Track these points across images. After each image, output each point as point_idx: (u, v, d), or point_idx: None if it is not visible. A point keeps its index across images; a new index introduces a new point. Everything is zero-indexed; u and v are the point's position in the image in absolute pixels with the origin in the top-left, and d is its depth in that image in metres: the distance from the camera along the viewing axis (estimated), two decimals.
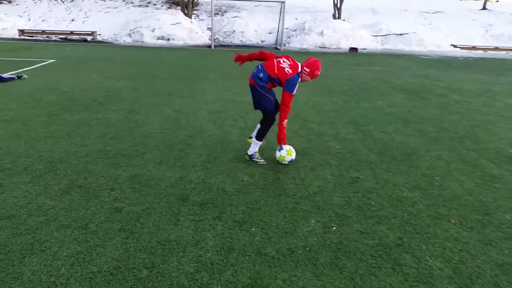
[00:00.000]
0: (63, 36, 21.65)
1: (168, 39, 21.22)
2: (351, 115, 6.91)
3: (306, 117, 6.65)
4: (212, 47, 19.71)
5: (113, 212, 3.34)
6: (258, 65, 4.43)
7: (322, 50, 20.56)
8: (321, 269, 2.70)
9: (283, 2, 20.49)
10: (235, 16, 25.05)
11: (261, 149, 4.73)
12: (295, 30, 23.02)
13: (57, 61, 12.44)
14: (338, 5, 24.17)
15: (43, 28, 22.45)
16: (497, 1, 35.44)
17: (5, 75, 8.99)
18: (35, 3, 26.05)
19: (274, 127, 4.49)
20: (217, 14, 25.36)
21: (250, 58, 4.72)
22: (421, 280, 2.63)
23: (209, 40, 21.42)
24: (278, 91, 4.41)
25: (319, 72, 4.24)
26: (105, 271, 2.59)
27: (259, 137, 4.52)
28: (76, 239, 2.92)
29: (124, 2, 27.10)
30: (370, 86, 9.82)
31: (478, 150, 5.28)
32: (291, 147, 4.49)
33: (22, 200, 3.47)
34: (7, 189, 3.67)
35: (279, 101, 4.45)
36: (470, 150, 5.27)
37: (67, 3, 26.29)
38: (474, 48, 22.42)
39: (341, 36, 21.74)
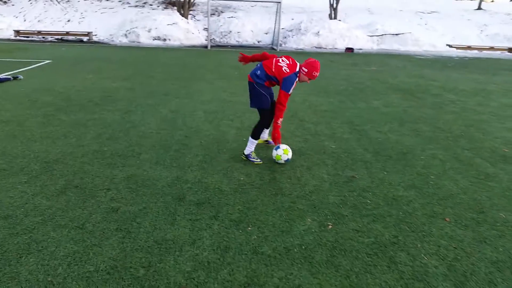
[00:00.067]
0: (59, 37, 21.61)
1: (165, 40, 21.21)
2: (347, 115, 6.93)
3: (303, 117, 6.67)
4: (209, 48, 19.71)
5: (109, 212, 3.34)
6: (258, 64, 4.47)
7: (318, 50, 20.60)
8: (317, 267, 2.72)
9: (279, 2, 20.54)
10: (232, 17, 25.07)
11: (257, 149, 4.75)
12: (291, 30, 23.05)
13: (53, 62, 12.41)
14: (334, 5, 24.23)
15: (39, 29, 22.39)
16: (492, 1, 35.65)
17: (1, 76, 8.97)
18: (30, 3, 25.97)
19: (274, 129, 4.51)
20: (213, 14, 25.38)
21: (254, 59, 4.75)
22: (416, 277, 2.65)
23: (206, 40, 21.42)
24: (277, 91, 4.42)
25: (317, 73, 4.21)
26: (102, 270, 2.60)
27: (254, 135, 4.53)
28: (72, 239, 2.93)
29: (120, 3, 27.06)
30: (366, 86, 9.86)
31: (473, 149, 5.31)
32: (288, 147, 4.51)
33: (19, 201, 3.48)
34: (3, 190, 3.67)
35: None
36: (465, 149, 5.31)
37: (63, 3, 26.22)
38: (469, 48, 22.54)
39: (337, 36, 21.80)
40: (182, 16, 23.51)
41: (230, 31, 23.27)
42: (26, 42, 19.44)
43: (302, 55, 17.02)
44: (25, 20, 23.87)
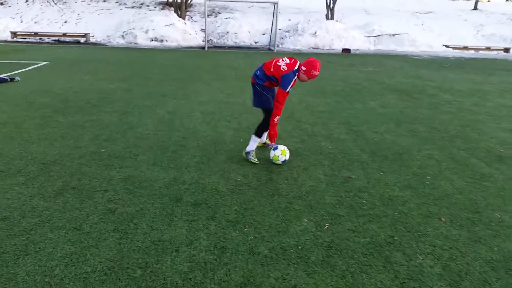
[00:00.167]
0: (56, 38, 21.58)
1: (162, 41, 21.21)
2: (344, 115, 6.96)
3: (300, 117, 6.69)
4: (206, 49, 19.72)
5: (107, 213, 3.36)
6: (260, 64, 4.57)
7: (315, 51, 20.63)
8: (313, 267, 2.74)
9: (276, 3, 20.56)
10: (229, 17, 25.09)
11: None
12: (288, 31, 23.09)
13: (50, 63, 12.40)
14: (331, 6, 24.28)
15: (35, 30, 22.36)
16: (488, 1, 35.80)
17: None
18: (27, 5, 25.93)
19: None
20: (211, 15, 25.39)
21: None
22: (412, 277, 2.68)
23: (203, 41, 21.44)
24: None
25: (316, 72, 4.19)
26: (99, 271, 2.62)
27: (258, 133, 4.58)
28: (70, 240, 2.94)
29: (117, 4, 27.04)
30: (362, 87, 9.89)
31: (468, 149, 5.35)
32: (286, 148, 4.53)
33: (16, 202, 3.48)
34: (0, 191, 3.67)
35: None
36: (461, 149, 5.34)
37: (60, 5, 26.19)
38: (465, 48, 22.62)
39: (334, 37, 21.85)
40: (179, 17, 23.52)
41: (227, 32, 23.29)
42: (23, 44, 19.41)
43: (299, 55, 17.05)
44: (21, 22, 23.83)
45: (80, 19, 24.48)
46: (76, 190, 3.75)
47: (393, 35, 22.56)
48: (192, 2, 26.13)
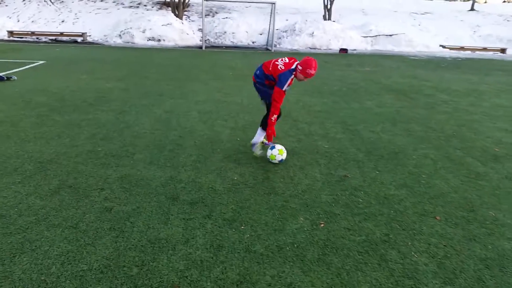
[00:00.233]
0: (53, 37, 21.53)
1: (159, 40, 21.20)
2: (341, 115, 6.98)
3: (296, 117, 6.71)
4: (203, 48, 19.73)
5: (103, 211, 3.36)
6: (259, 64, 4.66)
7: (313, 51, 20.67)
8: (308, 265, 2.75)
9: (274, 3, 20.59)
10: (226, 17, 25.11)
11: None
12: (285, 31, 23.13)
13: (47, 62, 12.38)
14: (328, 6, 24.32)
15: (32, 29, 22.31)
16: (485, 2, 35.91)
17: None
18: (24, 4, 25.85)
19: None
20: (208, 15, 25.38)
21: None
22: (407, 275, 2.69)
23: (200, 41, 21.43)
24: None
25: (312, 71, 4.17)
26: (95, 269, 2.62)
27: (263, 126, 4.70)
28: (66, 238, 2.94)
29: (115, 3, 27.00)
30: (359, 87, 9.92)
31: (464, 148, 5.37)
32: (283, 147, 4.55)
33: (12, 200, 3.48)
34: None
35: None
36: (457, 148, 5.37)
37: (57, 4, 26.13)
38: (462, 48, 22.72)
39: (331, 37, 21.90)
40: (177, 16, 23.52)
41: (225, 32, 23.31)
42: (19, 43, 19.36)
43: (297, 55, 17.03)
44: (18, 21, 23.77)
45: (77, 18, 24.44)
46: (73, 189, 3.75)
47: (390, 35, 22.63)
48: (189, 2, 26.16)
